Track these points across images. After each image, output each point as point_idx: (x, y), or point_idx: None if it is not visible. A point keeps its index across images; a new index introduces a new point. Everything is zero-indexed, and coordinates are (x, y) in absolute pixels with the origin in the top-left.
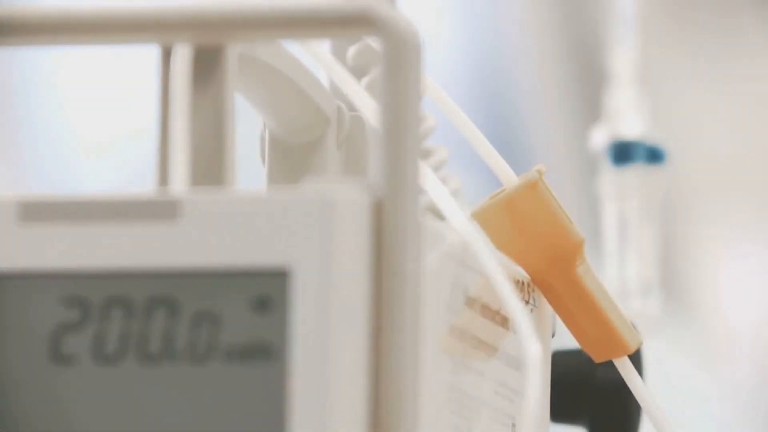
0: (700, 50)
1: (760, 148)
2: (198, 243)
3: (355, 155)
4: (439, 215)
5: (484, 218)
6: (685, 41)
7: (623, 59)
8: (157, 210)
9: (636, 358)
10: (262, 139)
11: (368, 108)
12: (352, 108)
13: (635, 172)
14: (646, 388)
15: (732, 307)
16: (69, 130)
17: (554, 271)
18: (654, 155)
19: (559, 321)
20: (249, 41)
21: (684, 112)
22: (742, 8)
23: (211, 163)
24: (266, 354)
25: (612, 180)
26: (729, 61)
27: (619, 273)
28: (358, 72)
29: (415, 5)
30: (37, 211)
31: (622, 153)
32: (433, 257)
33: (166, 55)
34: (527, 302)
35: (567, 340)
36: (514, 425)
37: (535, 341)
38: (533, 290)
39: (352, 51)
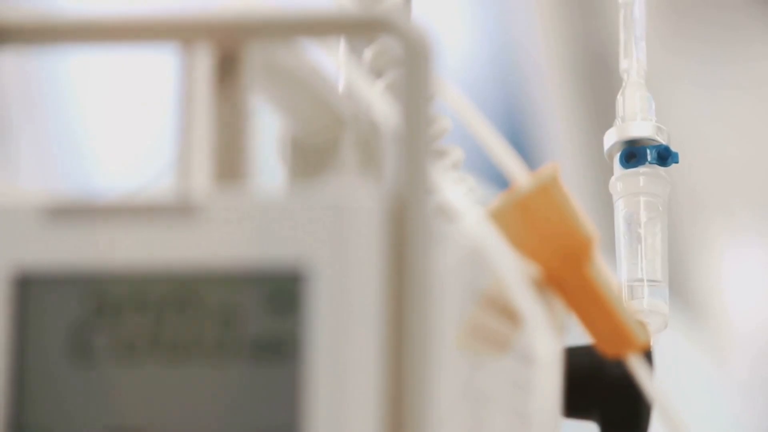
0: (702, 53)
1: (763, 150)
2: (217, 243)
3: (371, 156)
4: (452, 214)
5: (497, 217)
6: (687, 44)
7: (633, 63)
8: (178, 211)
9: (646, 355)
10: (281, 139)
11: (383, 109)
12: (367, 109)
13: (645, 174)
14: (656, 384)
15: (736, 303)
16: (90, 131)
17: (566, 269)
18: (665, 157)
19: (570, 317)
20: (268, 42)
21: (687, 114)
22: (746, 12)
23: (230, 163)
24: (284, 352)
25: (622, 181)
26: (731, 63)
27: (629, 272)
28: (373, 74)
29: (431, 10)
30: (59, 213)
31: (632, 155)
32: (447, 255)
33: (187, 57)
34: (539, 299)
35: (579, 337)
36: (526, 421)
37: (547, 338)
38: (545, 288)
39: (367, 53)
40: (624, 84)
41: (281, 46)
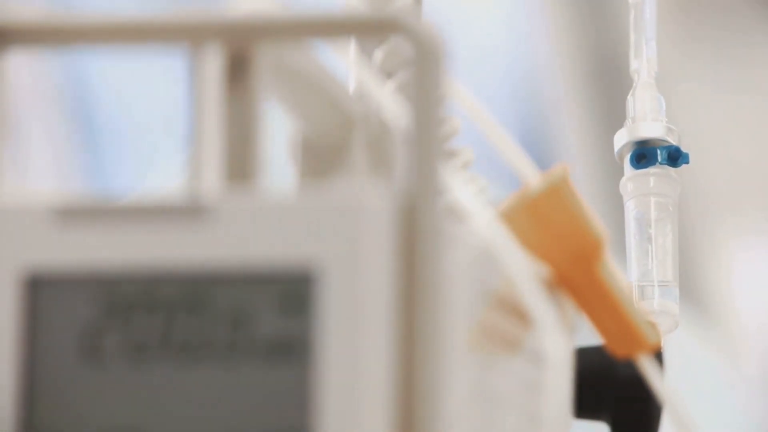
0: (713, 55)
1: None
2: (228, 244)
3: (381, 156)
4: (463, 215)
5: (508, 218)
6: (697, 45)
7: (643, 63)
8: (188, 212)
9: (657, 355)
10: (292, 140)
11: (394, 110)
12: (378, 110)
13: (655, 174)
14: (667, 385)
15: (746, 303)
16: (101, 132)
17: (576, 270)
18: (676, 157)
19: (580, 318)
20: (279, 43)
21: (698, 114)
22: (756, 15)
23: (241, 164)
24: (294, 353)
25: (632, 181)
26: (741, 65)
27: (639, 272)
28: (384, 75)
29: (441, 11)
30: (69, 214)
31: (643, 155)
32: (458, 256)
33: (197, 59)
34: (550, 300)
35: (589, 337)
36: (537, 421)
37: (558, 338)
38: (556, 288)
39: (378, 54)
40: (634, 84)
41: (292, 47)
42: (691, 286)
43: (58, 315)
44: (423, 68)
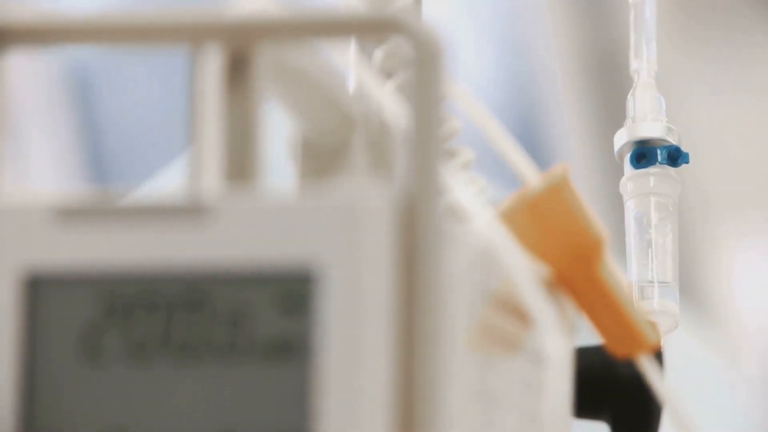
0: (713, 55)
1: None
2: (228, 244)
3: (381, 156)
4: (463, 215)
5: (508, 218)
6: (698, 45)
7: (643, 63)
8: (188, 212)
9: (656, 355)
10: (292, 140)
11: (394, 110)
12: (378, 110)
13: (655, 174)
14: (667, 384)
15: (746, 303)
16: (102, 131)
17: (576, 270)
18: (676, 157)
19: (580, 318)
20: (279, 44)
21: (698, 114)
22: (756, 15)
23: (241, 164)
24: (294, 353)
25: (632, 181)
26: (741, 65)
27: (639, 272)
28: (384, 75)
29: (441, 11)
30: (69, 214)
31: (643, 155)
32: (458, 256)
33: (198, 58)
34: (550, 300)
35: (589, 337)
36: (537, 421)
37: (558, 338)
38: (556, 288)
39: (378, 54)
40: (634, 84)
41: (292, 47)
42: (691, 286)
43: (58, 315)
44: (423, 68)
